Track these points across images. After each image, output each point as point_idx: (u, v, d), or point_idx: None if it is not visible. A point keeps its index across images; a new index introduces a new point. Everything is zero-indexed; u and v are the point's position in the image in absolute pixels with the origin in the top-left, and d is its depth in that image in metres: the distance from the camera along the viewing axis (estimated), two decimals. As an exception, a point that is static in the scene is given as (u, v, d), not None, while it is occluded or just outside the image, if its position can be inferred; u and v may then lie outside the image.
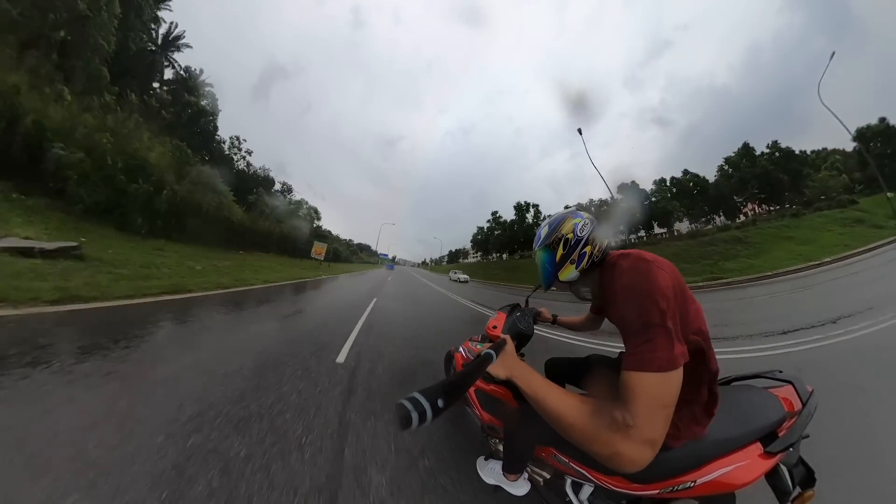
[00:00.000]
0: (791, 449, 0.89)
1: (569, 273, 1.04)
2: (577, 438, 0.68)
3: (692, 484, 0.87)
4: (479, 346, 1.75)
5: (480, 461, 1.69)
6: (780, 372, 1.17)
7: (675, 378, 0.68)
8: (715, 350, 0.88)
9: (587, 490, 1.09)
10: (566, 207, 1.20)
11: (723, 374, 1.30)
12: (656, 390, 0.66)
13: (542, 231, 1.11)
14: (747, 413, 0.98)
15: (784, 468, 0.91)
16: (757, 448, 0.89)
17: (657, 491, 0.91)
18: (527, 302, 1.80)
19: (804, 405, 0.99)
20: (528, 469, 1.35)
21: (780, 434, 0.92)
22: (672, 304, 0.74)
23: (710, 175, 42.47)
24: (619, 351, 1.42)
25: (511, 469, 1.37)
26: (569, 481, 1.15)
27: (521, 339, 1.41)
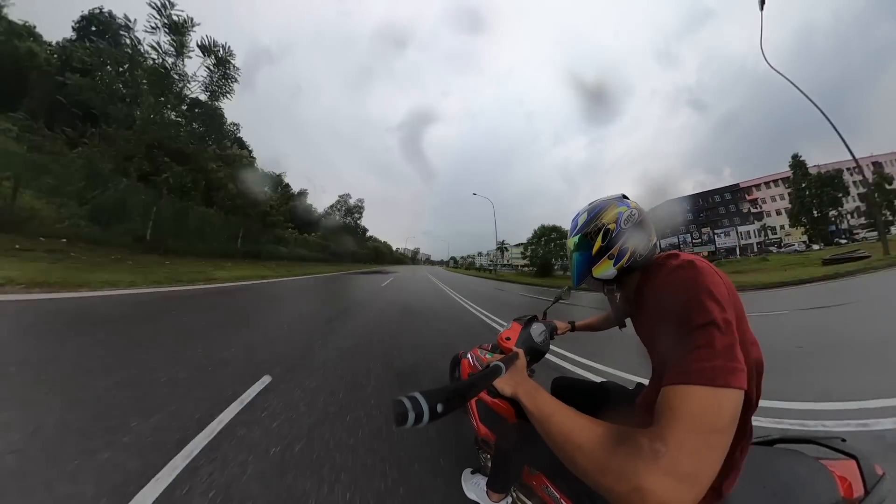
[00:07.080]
0: None
1: (605, 270, 0.89)
2: (585, 466, 0.53)
3: None
4: (488, 356, 1.64)
5: (466, 473, 1.58)
6: (844, 441, 0.90)
7: (734, 399, 0.51)
8: None
9: None
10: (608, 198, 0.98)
11: (768, 432, 1.08)
12: (705, 409, 0.49)
13: (580, 218, 0.96)
14: (788, 486, 0.78)
15: None
16: None
17: None
18: (545, 314, 1.66)
19: (868, 492, 0.76)
20: (513, 493, 1.22)
21: None
22: (732, 310, 0.59)
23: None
24: (636, 381, 1.26)
25: (495, 487, 1.25)
26: None
27: (535, 355, 1.30)
